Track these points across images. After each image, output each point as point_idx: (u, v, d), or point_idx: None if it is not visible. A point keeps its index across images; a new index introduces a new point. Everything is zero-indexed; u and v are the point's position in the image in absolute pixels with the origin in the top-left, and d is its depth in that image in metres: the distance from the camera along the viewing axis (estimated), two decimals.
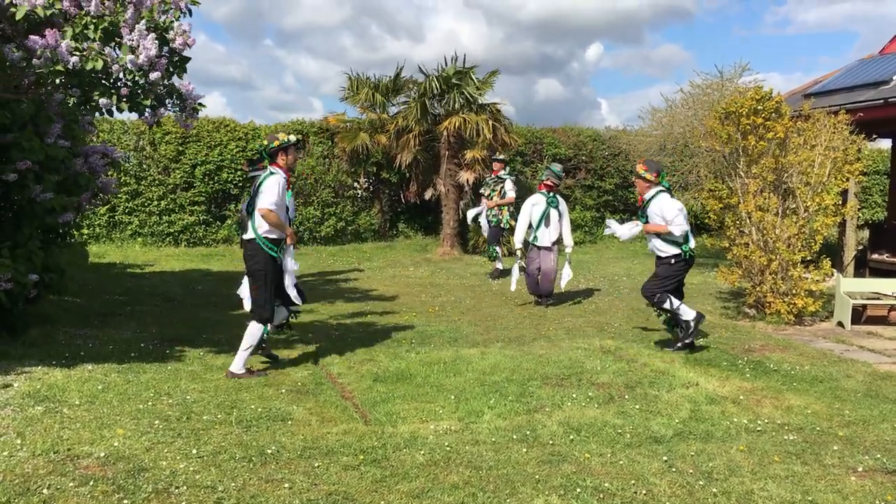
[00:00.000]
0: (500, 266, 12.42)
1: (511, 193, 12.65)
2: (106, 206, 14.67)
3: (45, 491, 3.55)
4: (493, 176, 12.98)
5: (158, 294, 9.93)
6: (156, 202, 15.18)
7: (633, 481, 3.98)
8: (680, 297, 7.15)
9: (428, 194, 16.58)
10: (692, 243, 7.04)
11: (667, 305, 7.02)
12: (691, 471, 4.15)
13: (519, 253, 9.84)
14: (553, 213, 9.73)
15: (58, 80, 5.22)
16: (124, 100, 5.38)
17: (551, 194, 9.81)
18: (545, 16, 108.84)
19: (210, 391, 5.35)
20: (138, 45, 5.21)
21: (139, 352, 6.44)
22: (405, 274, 13.04)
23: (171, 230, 15.37)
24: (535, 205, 9.75)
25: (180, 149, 15.49)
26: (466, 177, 15.60)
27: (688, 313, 6.99)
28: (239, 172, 15.59)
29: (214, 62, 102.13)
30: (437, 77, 15.63)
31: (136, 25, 5.23)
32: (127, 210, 15.17)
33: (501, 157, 13.37)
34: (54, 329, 7.06)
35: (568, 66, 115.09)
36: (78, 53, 5.07)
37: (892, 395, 5.72)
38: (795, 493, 3.89)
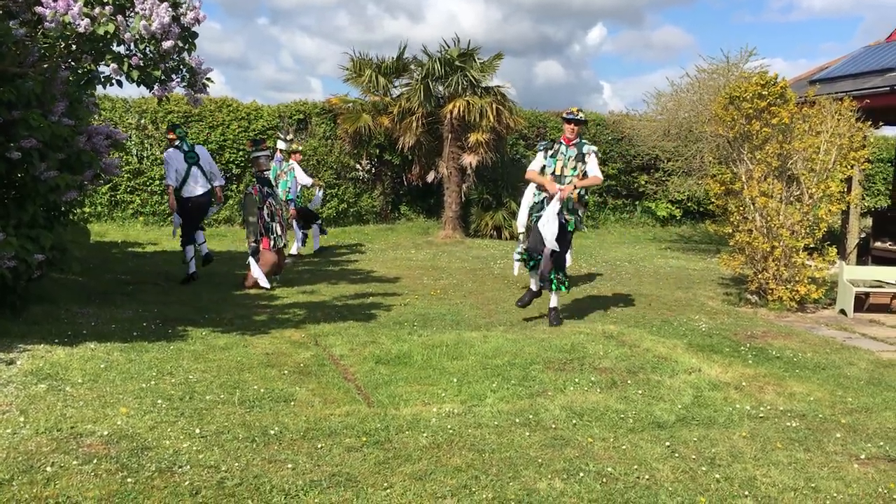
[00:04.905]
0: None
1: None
2: (107, 185, 14.64)
3: (48, 469, 3.55)
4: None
5: (160, 273, 9.93)
6: (157, 181, 15.13)
7: (635, 466, 3.98)
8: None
9: (430, 177, 16.53)
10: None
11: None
12: (694, 456, 4.16)
13: (521, 237, 9.81)
14: None
15: (66, 48, 5.16)
16: (134, 69, 5.33)
17: None
18: None
19: (213, 371, 5.35)
20: (151, 14, 5.16)
21: (141, 331, 6.44)
22: (407, 256, 13.03)
23: None
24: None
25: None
26: (469, 160, 15.53)
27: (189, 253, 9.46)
28: (241, 152, 15.55)
29: (210, 41, 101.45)
30: (440, 59, 15.50)
31: None
32: (129, 189, 15.13)
33: None
34: (56, 307, 7.05)
35: (568, 49, 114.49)
36: (89, 17, 5.01)
37: (894, 383, 5.73)
38: (798, 480, 3.90)
